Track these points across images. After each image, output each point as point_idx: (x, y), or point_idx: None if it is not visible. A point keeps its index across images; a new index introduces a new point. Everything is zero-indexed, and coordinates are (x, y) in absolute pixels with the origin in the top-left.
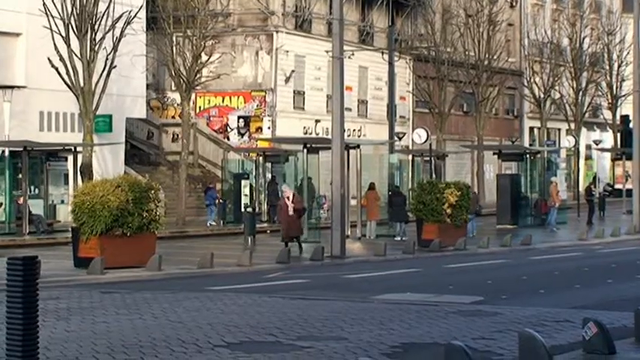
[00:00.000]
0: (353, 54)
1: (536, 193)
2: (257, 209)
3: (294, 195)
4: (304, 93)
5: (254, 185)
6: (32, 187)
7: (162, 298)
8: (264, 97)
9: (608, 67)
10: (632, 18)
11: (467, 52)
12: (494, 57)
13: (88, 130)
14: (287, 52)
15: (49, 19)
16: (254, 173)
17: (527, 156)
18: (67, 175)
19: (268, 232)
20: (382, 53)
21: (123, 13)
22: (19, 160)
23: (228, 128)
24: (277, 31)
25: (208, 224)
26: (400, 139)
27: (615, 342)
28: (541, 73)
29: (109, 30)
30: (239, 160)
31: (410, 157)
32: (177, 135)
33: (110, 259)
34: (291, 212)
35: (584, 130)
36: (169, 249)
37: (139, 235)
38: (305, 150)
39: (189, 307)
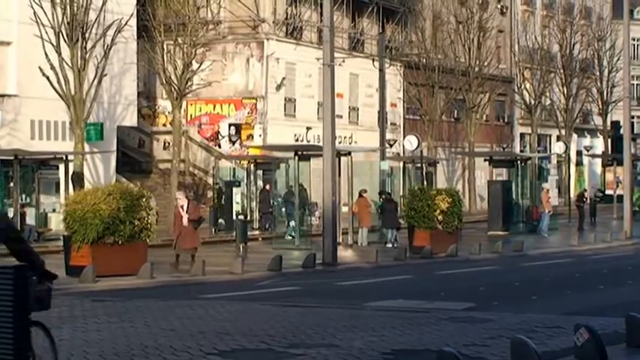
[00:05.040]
0: (344, 61)
1: (528, 200)
2: (249, 217)
3: (189, 203)
4: (295, 100)
5: (245, 193)
6: (24, 196)
7: (154, 306)
8: (255, 104)
9: (598, 73)
10: (622, 24)
11: (457, 59)
12: (485, 63)
13: (79, 138)
14: (278, 59)
15: (39, 28)
16: (245, 181)
17: (518, 162)
18: (58, 184)
19: (260, 239)
20: (373, 60)
21: (114, 22)
22: (10, 169)
23: (219, 136)
24: (268, 39)
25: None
26: (391, 146)
27: (607, 348)
28: (531, 80)
29: (100, 38)
30: (230, 168)
31: (401, 163)
32: (169, 143)
33: (102, 267)
34: (185, 223)
35: (574, 136)
36: (161, 257)
37: (130, 243)
38: (296, 157)
39: (181, 315)
